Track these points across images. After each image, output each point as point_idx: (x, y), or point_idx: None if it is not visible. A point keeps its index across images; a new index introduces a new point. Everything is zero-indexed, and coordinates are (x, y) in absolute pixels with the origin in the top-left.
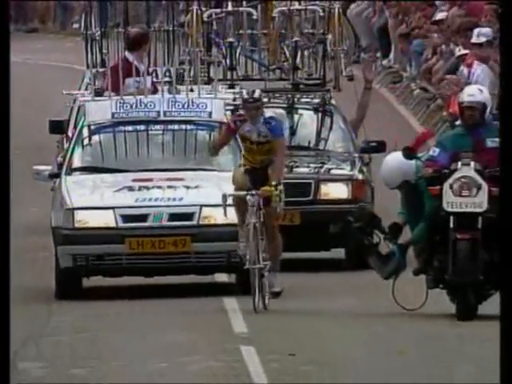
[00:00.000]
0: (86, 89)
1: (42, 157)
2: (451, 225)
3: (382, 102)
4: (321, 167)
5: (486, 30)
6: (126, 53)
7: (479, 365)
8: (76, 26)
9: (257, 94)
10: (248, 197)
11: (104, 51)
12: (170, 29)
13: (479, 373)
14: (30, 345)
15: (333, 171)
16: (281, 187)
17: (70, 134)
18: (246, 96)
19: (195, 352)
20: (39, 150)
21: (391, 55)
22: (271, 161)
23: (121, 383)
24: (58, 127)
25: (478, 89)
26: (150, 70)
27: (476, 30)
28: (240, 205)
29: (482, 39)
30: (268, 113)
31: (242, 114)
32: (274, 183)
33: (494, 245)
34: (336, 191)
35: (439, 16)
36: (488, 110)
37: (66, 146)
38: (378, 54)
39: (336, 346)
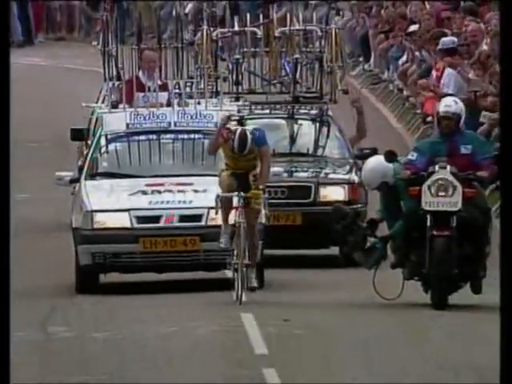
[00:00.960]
0: (103, 101)
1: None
2: (428, 222)
3: (364, 101)
4: (319, 172)
5: (447, 39)
6: (140, 71)
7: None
8: (95, 42)
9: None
10: (235, 198)
11: (119, 66)
12: (179, 45)
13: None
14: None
15: (330, 176)
16: (265, 194)
17: (89, 142)
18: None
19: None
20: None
21: (371, 60)
22: (254, 166)
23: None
24: (78, 135)
25: (454, 100)
26: (170, 85)
27: (442, 39)
28: (226, 205)
29: (447, 46)
30: (252, 125)
31: (229, 128)
32: (260, 187)
33: (466, 241)
34: (334, 194)
35: (412, 28)
36: (462, 119)
37: (85, 152)
38: (361, 59)
39: (320, 315)
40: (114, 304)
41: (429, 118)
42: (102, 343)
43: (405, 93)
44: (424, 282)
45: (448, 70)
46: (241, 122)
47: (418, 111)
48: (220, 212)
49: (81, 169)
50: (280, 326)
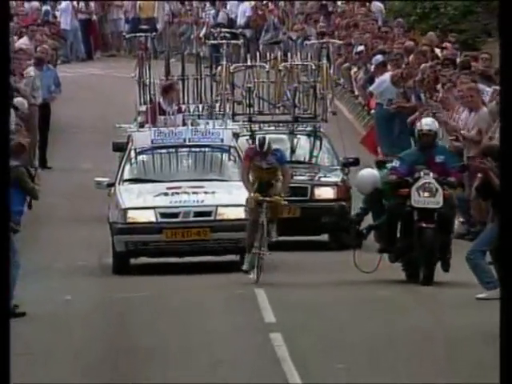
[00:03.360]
0: (134, 122)
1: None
2: (416, 217)
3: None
4: (314, 176)
5: (377, 57)
6: (161, 98)
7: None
8: (132, 74)
9: (265, 147)
10: (263, 203)
11: (152, 93)
12: (198, 77)
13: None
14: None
15: (322, 179)
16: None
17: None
18: (258, 148)
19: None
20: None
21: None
22: (275, 177)
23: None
24: (119, 147)
25: (431, 120)
26: (183, 107)
27: (375, 57)
28: (255, 207)
29: (377, 62)
30: (274, 145)
31: (253, 148)
32: (282, 195)
33: (444, 231)
34: (325, 193)
35: (359, 49)
36: (438, 135)
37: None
38: None
39: (315, 290)
40: (144, 280)
41: (372, 111)
42: (139, 301)
43: (356, 93)
44: (405, 264)
45: (385, 76)
46: (253, 136)
47: (365, 107)
48: (247, 234)
49: (116, 174)
50: (286, 298)
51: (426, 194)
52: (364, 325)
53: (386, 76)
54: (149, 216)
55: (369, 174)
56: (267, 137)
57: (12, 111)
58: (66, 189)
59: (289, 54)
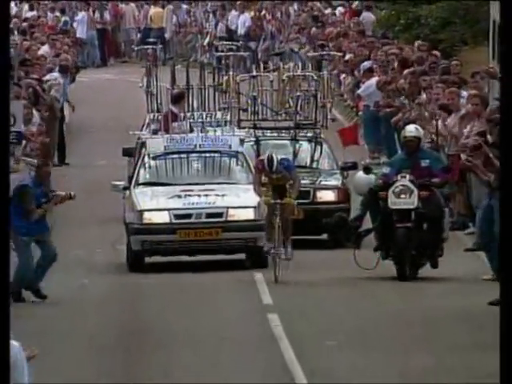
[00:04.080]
0: (147, 127)
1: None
2: (394, 217)
3: None
4: (316, 180)
5: (365, 64)
6: (172, 105)
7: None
8: (140, 84)
9: (274, 168)
10: (275, 205)
11: (159, 101)
12: (202, 87)
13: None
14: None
15: (323, 182)
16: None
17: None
18: (267, 168)
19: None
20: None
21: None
22: (284, 182)
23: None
24: (128, 152)
25: (415, 127)
26: (188, 115)
27: (363, 63)
28: (269, 209)
29: (364, 68)
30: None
31: (262, 160)
32: (293, 196)
33: (422, 229)
34: (326, 196)
35: (347, 57)
36: (422, 140)
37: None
38: None
39: (312, 281)
40: (158, 277)
41: (359, 113)
42: (154, 287)
43: (344, 96)
44: (394, 261)
45: (371, 80)
46: (257, 141)
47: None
48: (265, 221)
49: (130, 179)
50: (284, 287)
51: (402, 196)
52: (354, 308)
53: (373, 81)
54: (163, 217)
55: (363, 177)
56: (274, 157)
57: (35, 113)
58: (82, 183)
59: (291, 65)
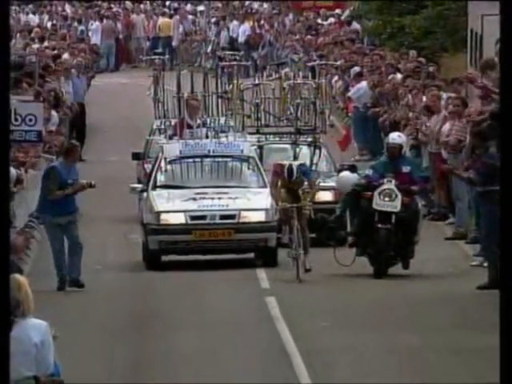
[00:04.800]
0: (160, 134)
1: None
2: (376, 218)
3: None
4: (315, 181)
5: (355, 69)
6: (186, 114)
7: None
8: (148, 92)
9: (294, 177)
10: (291, 209)
11: (165, 108)
12: (207, 95)
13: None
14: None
15: (322, 184)
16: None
17: (147, 166)
18: (287, 177)
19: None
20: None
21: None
22: (299, 186)
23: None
24: (137, 156)
25: (398, 135)
26: (201, 122)
27: (352, 68)
28: (286, 212)
29: (354, 73)
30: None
31: (281, 163)
32: (308, 199)
33: (401, 233)
34: (325, 196)
35: (338, 62)
36: (404, 147)
37: (141, 166)
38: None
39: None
40: (175, 275)
41: (349, 114)
42: (168, 281)
43: (336, 98)
44: (369, 258)
45: (362, 84)
46: (261, 146)
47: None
48: (281, 218)
49: (147, 181)
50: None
51: (386, 199)
52: (345, 293)
53: (362, 84)
54: (179, 218)
55: (348, 175)
56: (294, 166)
57: (54, 113)
58: (96, 177)
59: (292, 74)
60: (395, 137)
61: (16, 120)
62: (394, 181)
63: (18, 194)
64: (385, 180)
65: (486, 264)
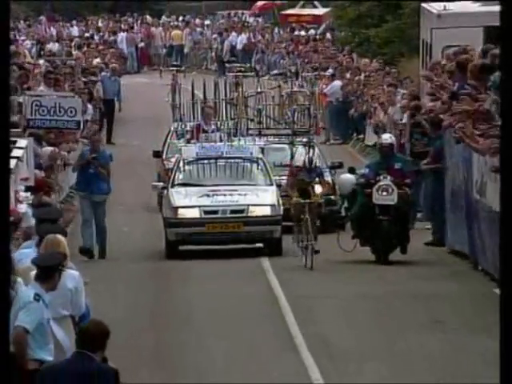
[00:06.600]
0: (177, 137)
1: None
2: (377, 211)
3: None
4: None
5: (329, 70)
6: (200, 119)
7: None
8: (166, 99)
9: (313, 165)
10: (304, 204)
11: (182, 113)
12: (216, 101)
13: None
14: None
15: (316, 179)
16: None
17: (166, 162)
18: (307, 165)
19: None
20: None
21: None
22: (310, 185)
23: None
24: (157, 154)
25: (389, 136)
26: (215, 127)
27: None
28: (298, 207)
29: (328, 73)
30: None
31: (299, 166)
32: (319, 195)
33: (398, 223)
34: (318, 189)
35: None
36: (395, 147)
37: (161, 163)
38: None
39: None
40: (190, 263)
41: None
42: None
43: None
44: (372, 248)
45: (338, 82)
46: (262, 148)
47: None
48: (293, 214)
49: (168, 179)
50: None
51: (384, 193)
52: (341, 283)
53: (335, 82)
54: (194, 213)
55: (347, 176)
56: (313, 157)
57: (90, 106)
58: (123, 157)
59: (289, 83)
60: (387, 137)
61: (60, 112)
62: (389, 177)
63: (61, 172)
64: (381, 177)
65: (428, 226)
